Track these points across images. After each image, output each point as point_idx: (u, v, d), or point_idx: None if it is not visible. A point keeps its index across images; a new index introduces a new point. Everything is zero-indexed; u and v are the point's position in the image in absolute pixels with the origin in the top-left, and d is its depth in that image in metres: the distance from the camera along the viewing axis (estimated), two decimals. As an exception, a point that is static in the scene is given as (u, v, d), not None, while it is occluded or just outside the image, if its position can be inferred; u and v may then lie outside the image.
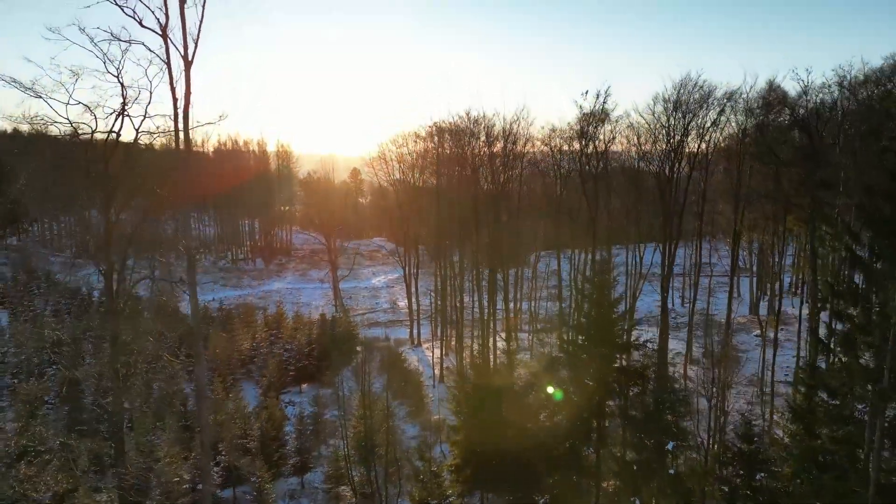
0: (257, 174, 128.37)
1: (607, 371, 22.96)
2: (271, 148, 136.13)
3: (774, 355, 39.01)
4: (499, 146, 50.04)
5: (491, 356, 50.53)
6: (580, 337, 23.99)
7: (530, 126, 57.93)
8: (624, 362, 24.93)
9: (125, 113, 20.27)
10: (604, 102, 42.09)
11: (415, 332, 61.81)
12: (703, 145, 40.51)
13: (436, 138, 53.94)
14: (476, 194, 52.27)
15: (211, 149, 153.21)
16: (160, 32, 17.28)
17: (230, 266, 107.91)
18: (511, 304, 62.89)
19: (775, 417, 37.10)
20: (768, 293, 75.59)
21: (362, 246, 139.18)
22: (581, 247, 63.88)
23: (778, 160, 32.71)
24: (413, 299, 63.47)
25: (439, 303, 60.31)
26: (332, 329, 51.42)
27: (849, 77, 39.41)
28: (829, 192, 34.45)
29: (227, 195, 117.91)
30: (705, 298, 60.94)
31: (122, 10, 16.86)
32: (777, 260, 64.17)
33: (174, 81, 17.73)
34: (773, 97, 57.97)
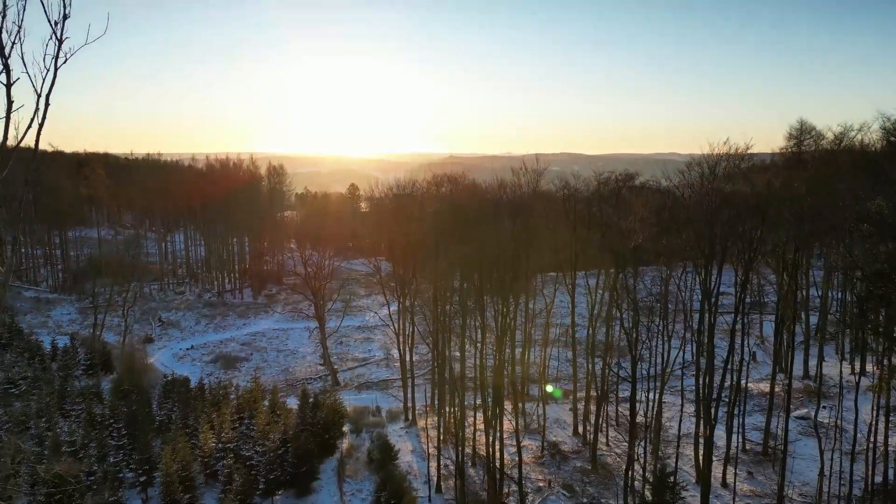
0: (248, 192, 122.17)
1: None
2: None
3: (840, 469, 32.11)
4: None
5: (497, 446, 43.58)
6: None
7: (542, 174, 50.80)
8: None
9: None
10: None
11: (409, 400, 54.86)
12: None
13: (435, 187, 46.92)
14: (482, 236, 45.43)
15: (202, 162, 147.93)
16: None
17: (215, 300, 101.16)
18: (518, 351, 55.48)
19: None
20: (795, 336, 68.83)
21: (357, 266, 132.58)
22: (600, 267, 55.05)
23: (868, 279, 26.21)
24: (405, 346, 55.90)
25: (436, 350, 52.70)
26: (312, 417, 44.72)
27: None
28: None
29: (218, 211, 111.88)
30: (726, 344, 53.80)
31: None
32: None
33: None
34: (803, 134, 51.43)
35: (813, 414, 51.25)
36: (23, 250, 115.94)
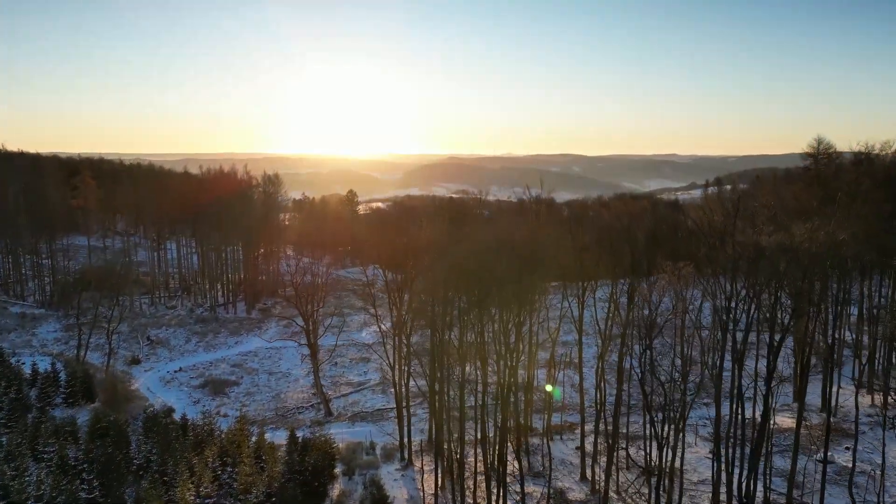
0: (242, 199, 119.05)
1: None
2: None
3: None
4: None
5: (500, 492, 40.41)
6: None
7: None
8: None
9: None
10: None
11: (405, 436, 51.34)
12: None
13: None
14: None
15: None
16: None
17: (207, 315, 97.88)
18: (522, 374, 51.90)
19: None
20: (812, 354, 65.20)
21: (354, 274, 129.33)
22: (611, 278, 50.88)
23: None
24: (400, 381, 52.37)
25: (434, 392, 49.38)
26: (300, 462, 41.58)
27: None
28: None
29: (212, 220, 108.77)
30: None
31: None
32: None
33: None
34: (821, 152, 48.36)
35: (836, 457, 48.06)
36: (10, 260, 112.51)
